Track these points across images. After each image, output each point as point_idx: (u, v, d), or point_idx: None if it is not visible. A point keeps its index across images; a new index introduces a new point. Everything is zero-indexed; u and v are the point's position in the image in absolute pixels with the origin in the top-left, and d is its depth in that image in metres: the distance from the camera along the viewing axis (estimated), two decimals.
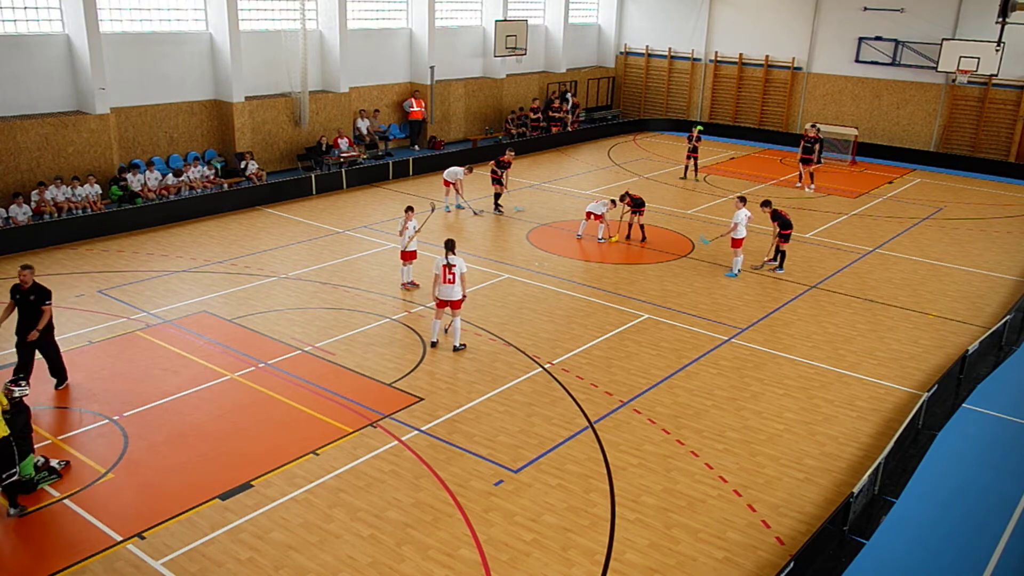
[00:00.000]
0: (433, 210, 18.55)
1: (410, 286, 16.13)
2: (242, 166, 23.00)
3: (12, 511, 9.11)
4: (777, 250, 18.07)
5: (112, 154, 20.98)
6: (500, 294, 16.14)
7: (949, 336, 15.05)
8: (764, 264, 18.23)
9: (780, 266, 18.11)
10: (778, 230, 17.79)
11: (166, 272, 16.76)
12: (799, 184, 26.11)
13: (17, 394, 9.34)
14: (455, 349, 13.45)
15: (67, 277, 16.33)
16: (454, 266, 13.12)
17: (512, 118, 32.05)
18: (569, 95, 34.16)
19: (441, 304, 13.44)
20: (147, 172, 21.11)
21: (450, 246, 13.27)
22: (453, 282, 13.16)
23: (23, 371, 11.32)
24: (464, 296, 13.46)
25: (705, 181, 26.43)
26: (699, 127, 27.04)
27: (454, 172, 21.54)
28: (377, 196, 23.40)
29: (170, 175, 21.43)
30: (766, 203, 18.03)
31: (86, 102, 20.52)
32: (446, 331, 13.80)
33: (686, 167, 26.93)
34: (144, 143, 22.17)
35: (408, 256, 15.93)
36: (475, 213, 21.64)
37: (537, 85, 34.23)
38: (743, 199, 17.57)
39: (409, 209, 15.76)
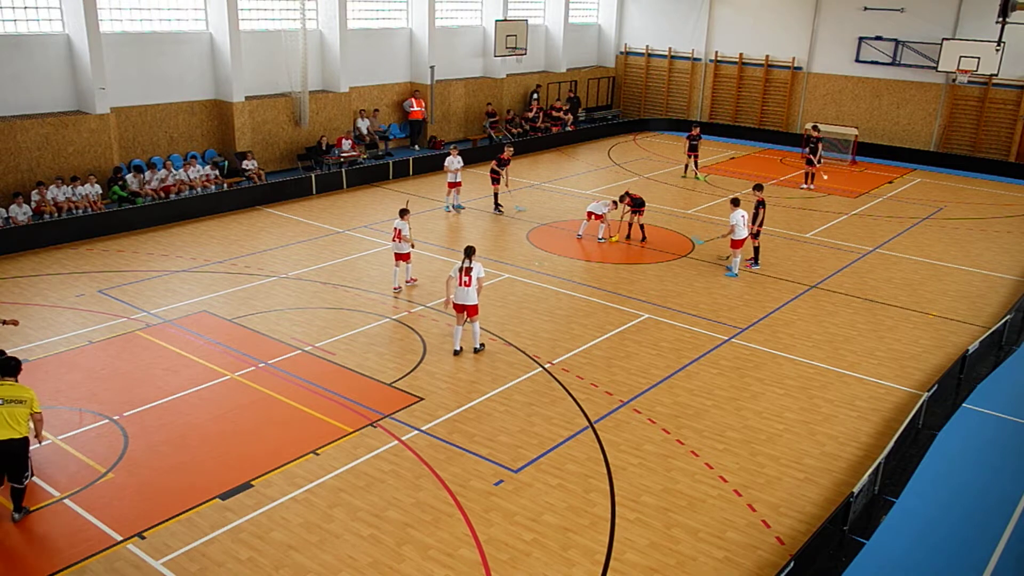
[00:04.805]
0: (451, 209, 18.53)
1: (411, 282, 16.25)
2: (243, 165, 22.99)
3: (16, 516, 9.11)
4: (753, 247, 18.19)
5: (112, 154, 20.98)
6: (500, 294, 16.14)
7: (949, 336, 15.05)
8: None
9: (755, 262, 18.15)
10: (761, 219, 17.77)
11: (166, 272, 16.76)
12: (805, 185, 26.15)
13: None
14: (475, 351, 13.41)
15: (67, 277, 16.33)
16: (471, 269, 13.07)
17: (510, 118, 32.06)
18: (535, 96, 33.84)
19: (459, 309, 13.34)
20: (147, 172, 21.11)
21: (469, 252, 13.20)
22: (469, 284, 13.08)
23: None
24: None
25: (706, 181, 26.43)
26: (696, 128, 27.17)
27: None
28: (377, 196, 23.40)
29: (167, 173, 21.38)
30: (758, 187, 18.12)
31: (86, 102, 20.52)
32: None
33: (686, 165, 27.06)
34: (144, 143, 22.17)
35: (402, 257, 15.99)
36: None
37: (537, 85, 34.21)
38: (736, 201, 17.55)
39: (404, 212, 15.83)
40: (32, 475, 9.23)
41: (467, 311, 13.27)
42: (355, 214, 21.44)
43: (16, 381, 9.14)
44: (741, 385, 12.85)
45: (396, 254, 15.95)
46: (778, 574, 8.02)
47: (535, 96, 33.60)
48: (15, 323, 11.84)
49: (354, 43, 26.97)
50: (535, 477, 10.19)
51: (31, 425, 9.14)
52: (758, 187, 18.26)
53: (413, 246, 16.11)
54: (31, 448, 9.29)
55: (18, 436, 8.90)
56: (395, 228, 15.71)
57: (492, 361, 13.28)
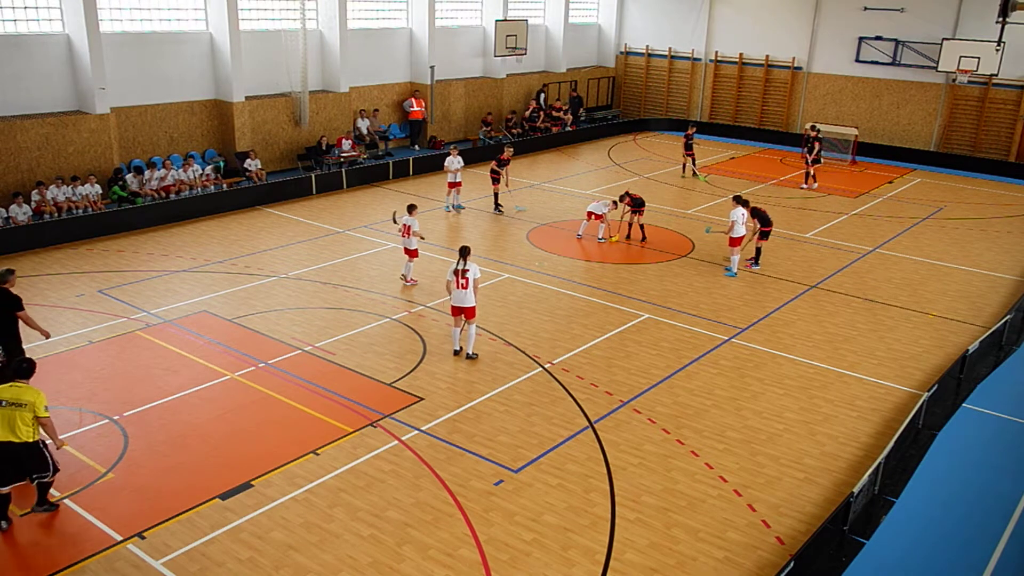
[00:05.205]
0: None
1: (412, 282, 16.33)
2: (245, 165, 23.00)
3: (36, 509, 9.19)
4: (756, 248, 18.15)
5: (112, 154, 20.98)
6: (500, 294, 16.14)
7: (949, 336, 15.05)
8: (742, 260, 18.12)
9: (756, 262, 18.14)
10: (758, 227, 17.80)
11: (166, 272, 16.76)
12: (804, 185, 26.16)
13: None
14: (468, 357, 13.34)
15: (67, 277, 16.33)
16: (468, 270, 13.00)
17: (510, 117, 32.06)
18: (542, 95, 33.94)
19: (456, 312, 13.28)
20: (147, 172, 21.11)
21: (464, 253, 13.10)
22: (466, 287, 12.99)
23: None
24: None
25: (706, 180, 26.41)
26: (692, 128, 27.39)
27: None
28: (377, 196, 23.40)
29: (167, 174, 21.36)
30: (744, 202, 17.97)
31: (86, 102, 20.52)
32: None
33: (684, 164, 27.14)
34: (144, 143, 22.17)
35: (411, 253, 16.22)
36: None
37: (537, 85, 34.23)
38: (738, 198, 17.57)
39: (412, 207, 16.16)
40: (50, 475, 9.14)
41: (465, 313, 13.21)
42: (355, 214, 21.44)
43: (27, 383, 9.05)
44: (741, 385, 12.85)
45: (406, 249, 16.17)
46: (778, 574, 8.02)
47: (542, 96, 33.65)
48: (47, 335, 11.85)
49: (354, 43, 26.97)
50: (535, 477, 10.19)
51: (41, 429, 9.10)
52: (743, 202, 17.78)
53: (423, 238, 16.48)
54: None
55: (17, 440, 8.79)
56: (404, 224, 15.94)
57: (492, 361, 13.27)
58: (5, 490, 8.99)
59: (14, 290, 11.51)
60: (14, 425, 8.80)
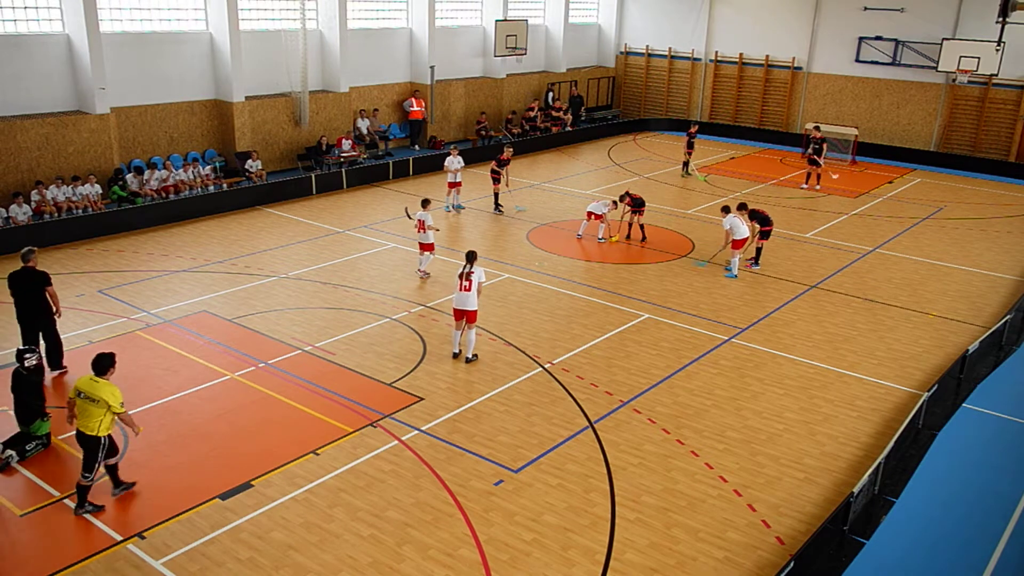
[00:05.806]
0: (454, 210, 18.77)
1: (424, 275, 16.73)
2: (247, 166, 23.00)
3: (78, 510, 9.25)
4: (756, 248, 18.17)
5: (112, 154, 20.98)
6: (500, 294, 16.14)
7: (949, 336, 15.05)
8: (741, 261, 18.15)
9: (756, 262, 18.13)
10: (758, 228, 17.83)
11: (166, 272, 16.76)
12: (805, 185, 26.15)
13: (33, 362, 10.32)
14: (467, 360, 13.27)
15: (67, 277, 16.33)
16: (472, 273, 12.92)
17: (510, 117, 32.07)
18: (550, 96, 34.00)
19: (458, 316, 13.20)
20: (147, 172, 21.11)
21: (471, 258, 13.06)
22: (469, 289, 12.90)
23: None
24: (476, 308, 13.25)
25: (705, 180, 26.41)
26: (695, 126, 27.43)
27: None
28: (377, 196, 23.40)
29: (168, 174, 21.36)
30: (742, 206, 17.94)
31: (86, 102, 20.52)
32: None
33: (685, 163, 27.16)
34: (144, 143, 22.17)
35: (427, 247, 16.63)
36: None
37: (537, 85, 34.23)
38: (726, 208, 17.55)
39: (426, 202, 16.74)
40: (89, 478, 9.18)
41: (466, 317, 13.12)
42: (355, 214, 21.45)
43: (104, 380, 9.11)
44: (741, 385, 12.85)
45: (420, 244, 16.55)
46: (778, 574, 8.02)
47: (550, 95, 33.65)
48: (59, 314, 12.35)
49: (354, 43, 26.97)
50: (535, 477, 10.19)
51: (114, 426, 9.28)
52: (741, 206, 17.85)
53: (438, 230, 17.02)
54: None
55: (85, 432, 9.01)
56: (418, 219, 16.33)
57: (492, 361, 13.27)
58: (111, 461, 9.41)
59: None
60: (85, 418, 9.02)
